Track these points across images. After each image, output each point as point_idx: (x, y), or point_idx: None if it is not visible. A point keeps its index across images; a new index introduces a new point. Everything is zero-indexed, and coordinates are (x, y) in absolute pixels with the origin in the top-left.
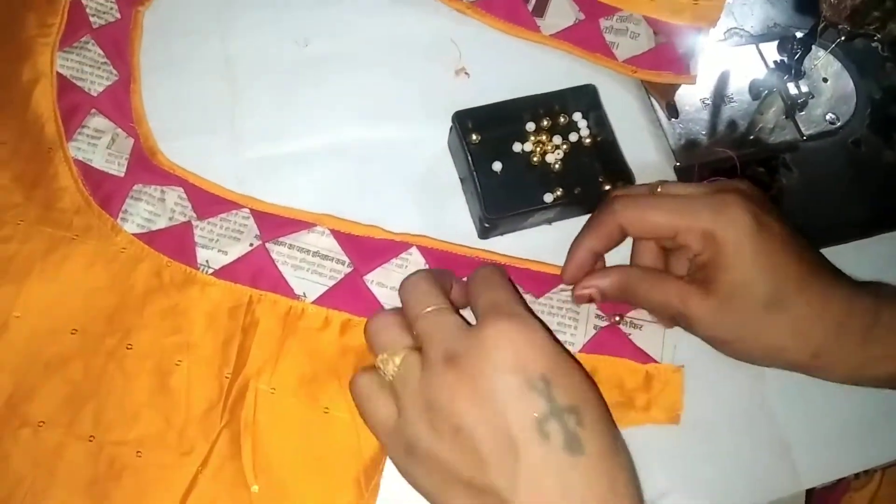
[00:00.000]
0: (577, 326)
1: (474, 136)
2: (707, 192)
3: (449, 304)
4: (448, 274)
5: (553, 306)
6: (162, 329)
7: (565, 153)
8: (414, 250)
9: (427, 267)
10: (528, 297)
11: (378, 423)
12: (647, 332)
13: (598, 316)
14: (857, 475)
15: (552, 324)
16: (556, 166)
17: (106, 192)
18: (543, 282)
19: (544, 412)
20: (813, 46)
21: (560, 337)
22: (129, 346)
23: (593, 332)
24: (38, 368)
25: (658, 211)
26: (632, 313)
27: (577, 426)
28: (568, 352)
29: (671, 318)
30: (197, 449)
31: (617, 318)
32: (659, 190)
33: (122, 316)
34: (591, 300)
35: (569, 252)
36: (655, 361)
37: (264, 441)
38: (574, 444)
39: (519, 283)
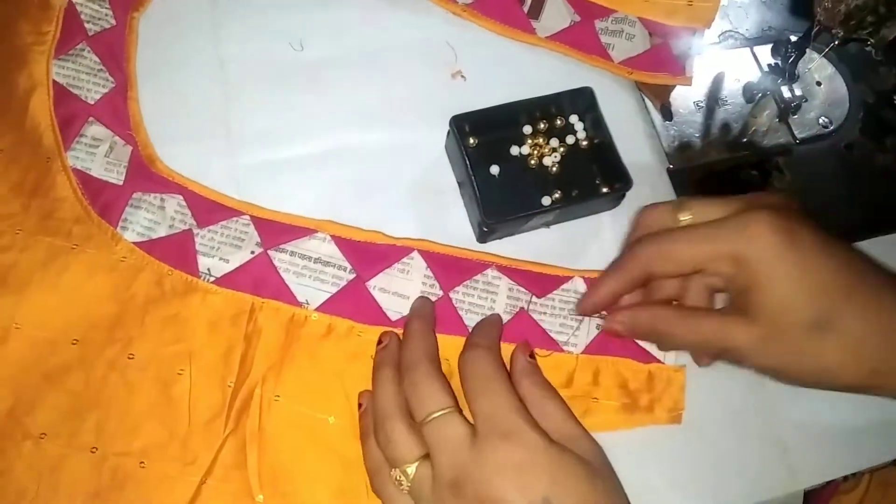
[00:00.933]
0: (578, 328)
1: (471, 140)
2: (731, 213)
3: (454, 399)
4: (429, 318)
5: (555, 307)
6: (163, 338)
7: (562, 156)
8: (415, 255)
9: (429, 272)
10: (530, 298)
11: None
12: None
13: (599, 316)
14: (845, 477)
15: (554, 325)
16: (554, 169)
17: (105, 201)
18: (545, 283)
19: None
20: (807, 50)
21: (561, 338)
22: (131, 356)
23: (595, 332)
24: (39, 380)
25: (681, 245)
26: None
27: None
28: (573, 457)
29: (714, 355)
30: (201, 459)
31: None
32: (681, 218)
33: (123, 325)
34: (617, 334)
35: (590, 290)
36: (658, 361)
37: (270, 450)
38: None
39: (521, 284)
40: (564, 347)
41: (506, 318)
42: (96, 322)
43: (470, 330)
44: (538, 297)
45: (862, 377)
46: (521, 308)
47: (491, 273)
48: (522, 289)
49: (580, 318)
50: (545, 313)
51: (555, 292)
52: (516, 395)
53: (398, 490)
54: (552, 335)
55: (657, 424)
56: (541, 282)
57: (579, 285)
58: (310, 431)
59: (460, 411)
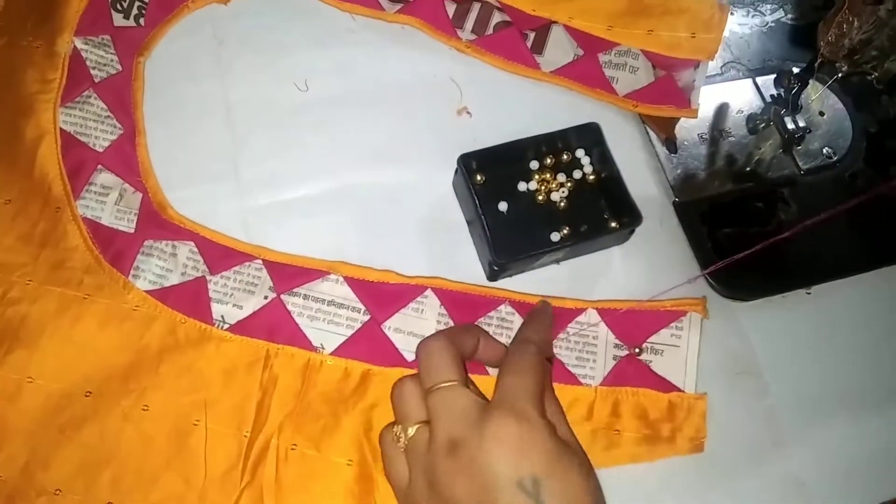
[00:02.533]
0: (595, 360)
1: (479, 177)
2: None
3: (463, 376)
4: (472, 332)
5: (570, 340)
6: (178, 388)
7: (570, 191)
8: (429, 293)
9: (443, 310)
10: None
11: (394, 481)
12: (668, 358)
13: (616, 346)
14: None
15: (571, 359)
16: (562, 204)
17: (116, 250)
18: (559, 317)
19: None
20: (809, 81)
21: (579, 372)
22: (146, 408)
23: (613, 363)
24: (53, 434)
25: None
26: (652, 339)
27: None
28: (573, 453)
29: None
30: None
31: (637, 350)
32: None
33: (137, 376)
34: None
35: None
36: (678, 389)
37: (287, 500)
38: None
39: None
40: (583, 381)
41: None
42: (110, 373)
43: (486, 369)
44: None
45: None
46: None
47: (504, 309)
48: None
49: (596, 349)
50: (561, 347)
51: (569, 326)
52: (541, 391)
53: (395, 445)
54: (570, 369)
55: (679, 454)
56: (555, 316)
57: (593, 317)
58: (327, 477)
59: (468, 388)
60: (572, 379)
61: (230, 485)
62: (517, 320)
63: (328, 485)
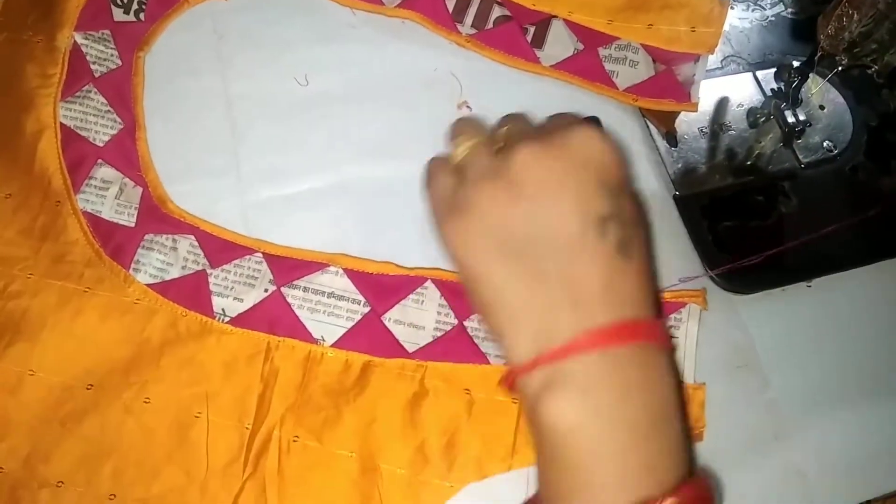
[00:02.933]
0: None
1: None
2: None
3: None
4: None
5: None
6: (179, 381)
7: None
8: (429, 284)
9: (444, 301)
10: None
11: (435, 192)
12: None
13: None
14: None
15: None
16: None
17: (117, 243)
18: None
19: (610, 212)
20: (810, 75)
21: None
22: (147, 400)
23: None
24: (55, 426)
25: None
26: None
27: (632, 237)
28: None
29: None
30: (220, 503)
31: None
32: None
33: (138, 369)
34: None
35: None
36: None
37: (290, 492)
38: (627, 248)
39: None
40: None
41: None
42: (111, 366)
43: (488, 358)
44: None
45: None
46: None
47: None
48: None
49: None
50: None
51: None
52: None
53: (443, 163)
54: None
55: None
56: None
57: None
58: (330, 469)
59: None
60: None
61: (232, 477)
62: None
63: (330, 476)
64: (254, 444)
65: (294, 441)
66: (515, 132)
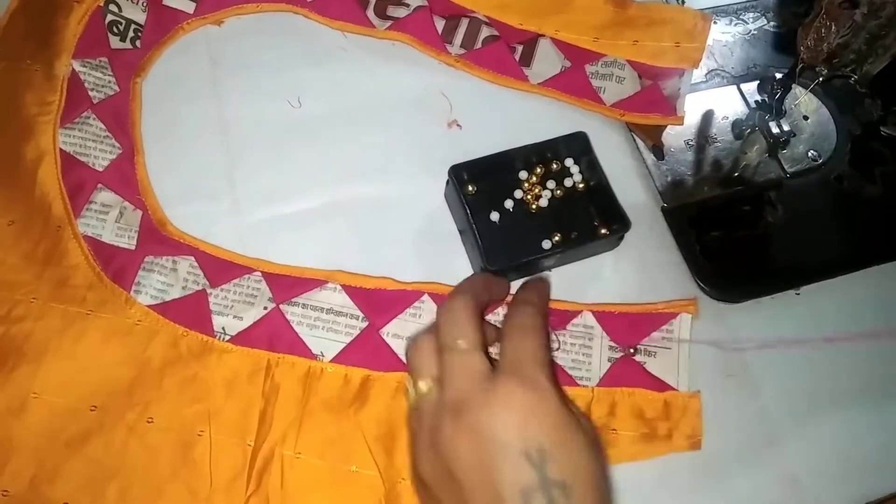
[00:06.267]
0: (591, 362)
1: (470, 188)
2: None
3: (479, 339)
4: (497, 284)
5: (567, 343)
6: (182, 400)
7: (560, 199)
8: (426, 298)
9: None
10: None
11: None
12: (660, 360)
13: (611, 348)
14: None
15: (567, 361)
16: (552, 212)
17: (118, 266)
18: (555, 320)
19: (532, 483)
20: (792, 86)
21: (576, 374)
22: (150, 420)
23: (608, 365)
24: (60, 448)
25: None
26: (644, 341)
27: (564, 502)
28: (580, 425)
29: None
30: None
31: (631, 351)
32: None
33: (141, 389)
34: None
35: None
36: (672, 388)
37: None
38: None
39: None
40: (580, 382)
41: None
42: (114, 387)
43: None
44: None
45: None
46: None
47: (502, 312)
48: None
49: (590, 350)
50: (558, 349)
51: (566, 328)
52: (547, 355)
53: (405, 396)
54: (567, 371)
55: (677, 451)
56: (551, 319)
57: (588, 319)
58: (333, 484)
59: (485, 352)
60: (569, 381)
61: (236, 494)
62: None
63: (335, 491)
64: (256, 460)
65: (297, 457)
66: (449, 373)
